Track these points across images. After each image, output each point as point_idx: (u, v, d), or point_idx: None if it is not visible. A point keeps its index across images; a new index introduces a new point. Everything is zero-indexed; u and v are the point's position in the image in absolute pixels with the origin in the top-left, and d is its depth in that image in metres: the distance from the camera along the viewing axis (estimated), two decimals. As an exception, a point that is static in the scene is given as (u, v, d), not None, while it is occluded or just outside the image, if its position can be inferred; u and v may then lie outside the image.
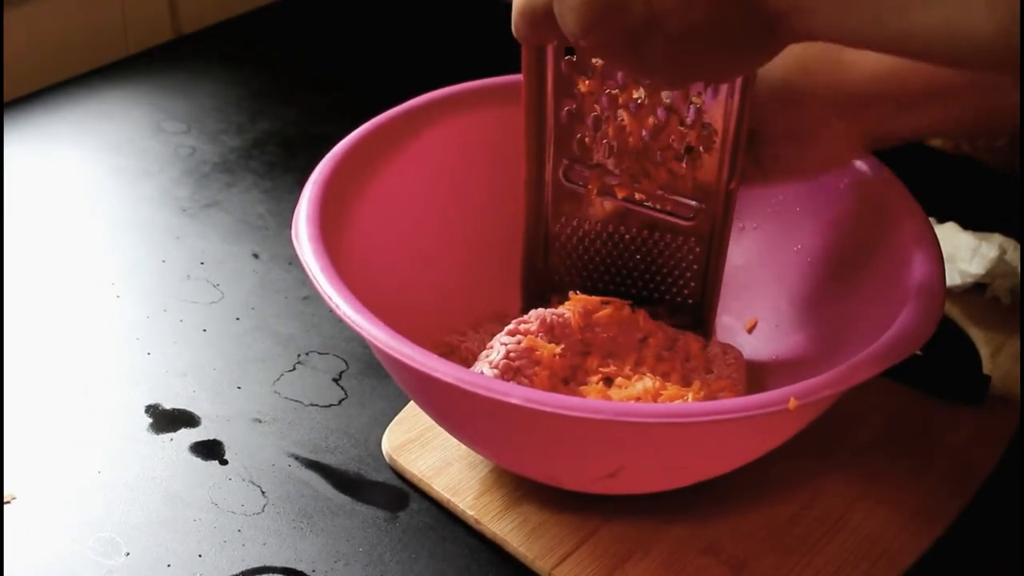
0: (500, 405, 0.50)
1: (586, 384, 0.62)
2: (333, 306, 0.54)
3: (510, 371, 0.59)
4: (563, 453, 0.56)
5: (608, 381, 0.62)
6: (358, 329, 0.53)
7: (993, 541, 0.62)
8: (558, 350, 0.61)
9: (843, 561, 0.59)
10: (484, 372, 0.59)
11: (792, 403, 0.49)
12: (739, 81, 0.57)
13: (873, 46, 0.41)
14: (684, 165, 0.61)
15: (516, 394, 0.49)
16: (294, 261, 0.79)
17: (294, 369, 0.71)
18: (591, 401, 0.50)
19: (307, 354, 0.72)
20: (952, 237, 0.77)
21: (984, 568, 0.61)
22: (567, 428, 0.52)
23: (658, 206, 0.63)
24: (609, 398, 0.60)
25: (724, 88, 0.58)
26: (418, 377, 0.52)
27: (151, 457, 0.64)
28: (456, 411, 0.57)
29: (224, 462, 0.64)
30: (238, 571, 0.58)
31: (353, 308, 0.53)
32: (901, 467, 0.64)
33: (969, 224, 0.79)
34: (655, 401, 0.60)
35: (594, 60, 0.59)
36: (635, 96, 0.60)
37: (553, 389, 0.60)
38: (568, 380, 0.62)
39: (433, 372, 0.50)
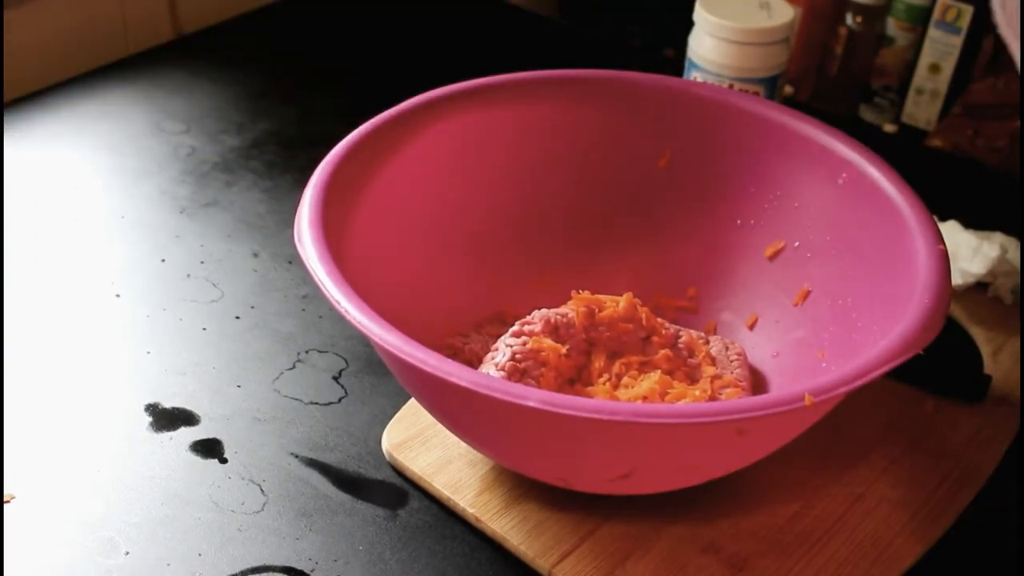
0: (518, 409, 0.49)
1: (592, 384, 0.61)
2: (343, 312, 0.53)
3: (516, 373, 0.59)
4: (578, 455, 0.55)
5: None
6: (371, 335, 0.52)
7: (993, 541, 0.62)
8: (564, 350, 0.60)
9: (843, 560, 0.59)
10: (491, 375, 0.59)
11: (808, 399, 0.49)
12: None
13: None
14: None
15: (534, 397, 0.49)
16: (294, 260, 0.79)
17: (294, 367, 0.71)
18: (610, 403, 0.50)
19: (307, 352, 0.72)
20: (953, 236, 0.77)
21: (984, 568, 0.61)
22: (586, 430, 0.51)
23: None
24: (616, 398, 0.60)
25: None
26: (434, 383, 0.52)
27: (151, 456, 0.64)
28: (472, 416, 0.56)
29: (224, 461, 0.64)
30: (238, 570, 0.58)
31: (360, 311, 0.53)
32: (901, 467, 0.64)
33: (970, 223, 0.79)
34: (662, 399, 0.60)
35: None
36: None
37: (560, 390, 0.60)
38: (574, 380, 0.62)
39: (449, 377, 0.50)
